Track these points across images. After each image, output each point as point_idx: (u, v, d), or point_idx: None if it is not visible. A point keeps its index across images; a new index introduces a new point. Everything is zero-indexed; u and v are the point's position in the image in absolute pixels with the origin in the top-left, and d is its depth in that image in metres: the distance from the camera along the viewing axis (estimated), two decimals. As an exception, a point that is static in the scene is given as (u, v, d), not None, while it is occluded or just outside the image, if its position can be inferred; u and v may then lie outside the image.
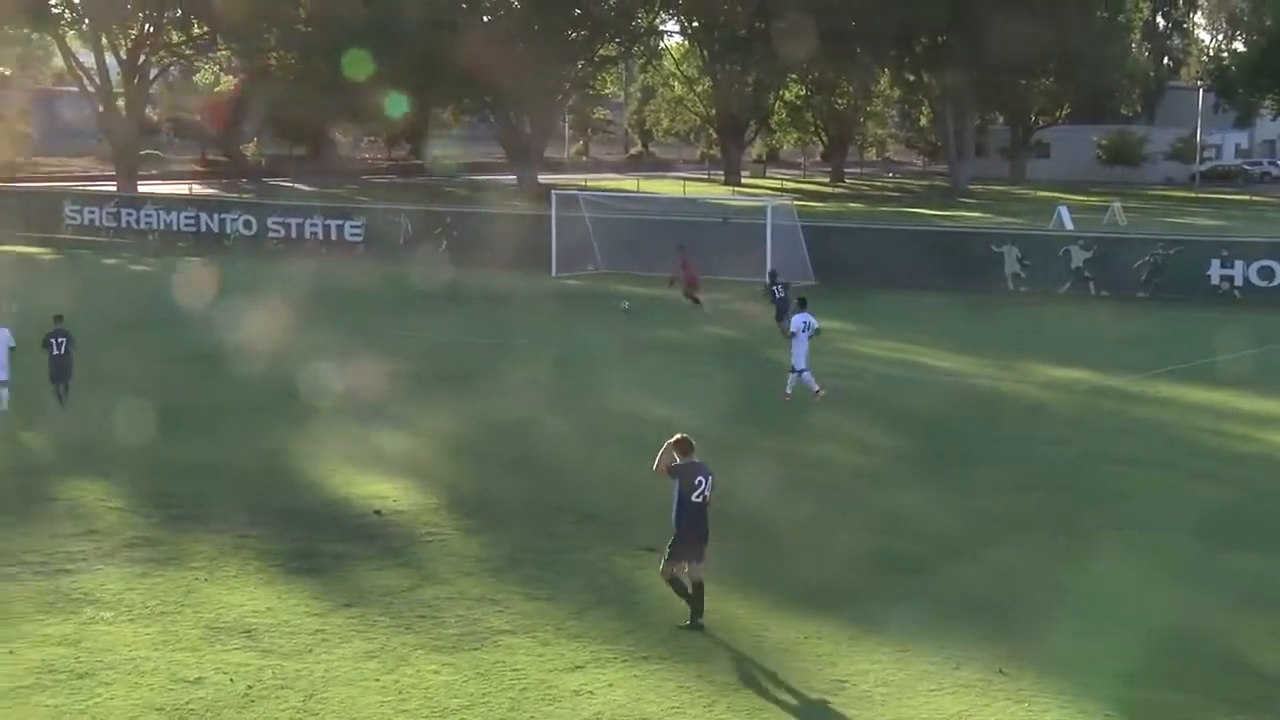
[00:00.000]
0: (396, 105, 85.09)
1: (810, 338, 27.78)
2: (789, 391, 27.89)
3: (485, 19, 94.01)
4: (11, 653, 14.77)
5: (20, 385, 26.25)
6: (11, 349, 25.84)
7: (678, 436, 15.88)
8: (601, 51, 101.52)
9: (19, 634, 15.28)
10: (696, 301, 40.50)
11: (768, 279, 37.61)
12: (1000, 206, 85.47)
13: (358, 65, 76.48)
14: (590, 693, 14.07)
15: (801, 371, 27.68)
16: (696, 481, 15.61)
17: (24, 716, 13.33)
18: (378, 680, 14.24)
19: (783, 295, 35.15)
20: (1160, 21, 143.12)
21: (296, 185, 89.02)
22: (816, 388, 27.72)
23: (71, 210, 63.00)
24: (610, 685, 14.25)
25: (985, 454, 24.36)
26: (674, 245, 42.45)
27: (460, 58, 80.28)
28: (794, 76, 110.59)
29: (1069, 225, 59.89)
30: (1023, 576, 17.80)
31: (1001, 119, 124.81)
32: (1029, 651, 15.12)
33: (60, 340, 26.17)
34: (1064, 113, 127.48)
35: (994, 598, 16.95)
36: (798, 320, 27.91)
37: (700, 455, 15.85)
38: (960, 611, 16.41)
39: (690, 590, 15.72)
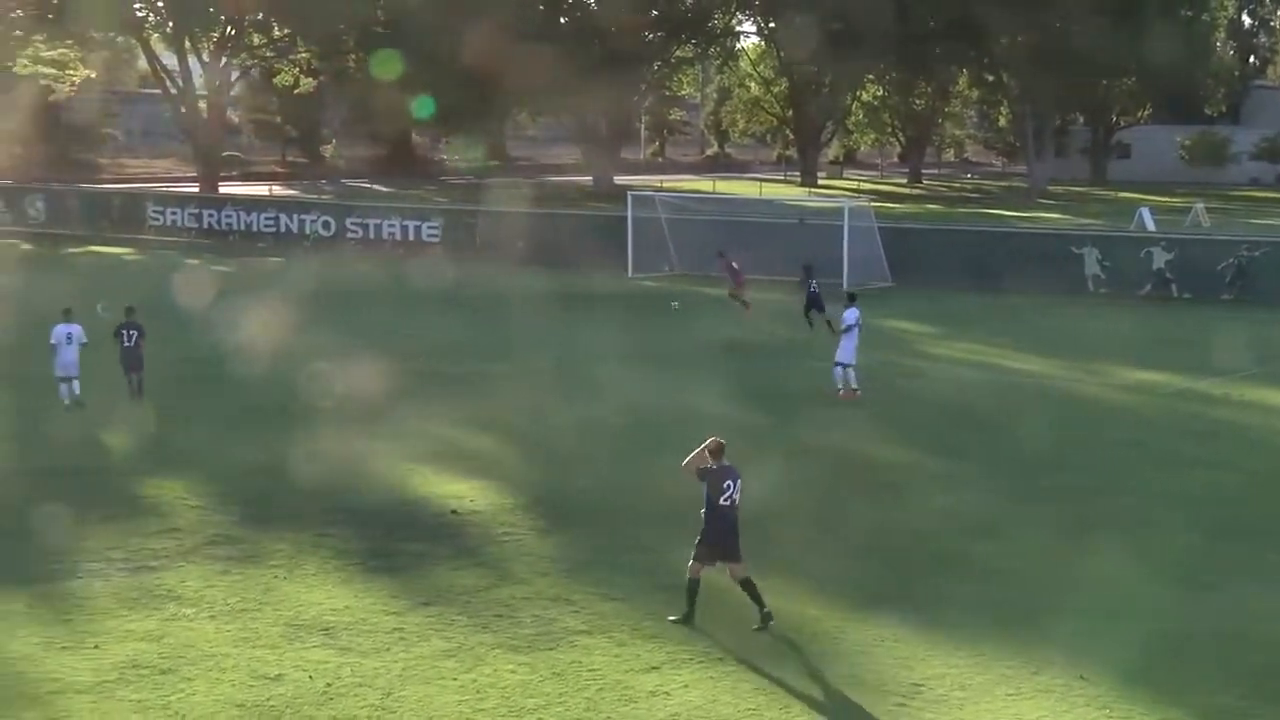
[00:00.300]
0: (424, 107, 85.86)
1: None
2: (839, 387, 28.08)
3: (563, 20, 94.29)
4: (97, 648, 15.00)
5: (99, 384, 26.70)
6: (83, 345, 26.45)
7: (712, 440, 15.95)
8: (678, 53, 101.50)
9: (104, 630, 15.51)
10: (744, 303, 40.29)
11: (803, 272, 37.79)
12: (1080, 208, 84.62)
13: (431, 67, 76.98)
14: (666, 694, 14.09)
15: (847, 366, 27.85)
16: (725, 485, 15.71)
17: (109, 711, 13.53)
18: (455, 679, 14.33)
19: (815, 290, 36.08)
20: (1246, 19, 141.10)
21: (375, 186, 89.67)
22: (854, 387, 27.90)
23: (154, 211, 63.76)
24: (686, 686, 14.26)
25: (1063, 457, 24.13)
26: (717, 251, 42.46)
27: (536, 59, 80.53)
28: (871, 77, 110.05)
29: (1151, 227, 59.17)
30: (1102, 582, 17.62)
31: (1082, 119, 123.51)
32: (1109, 658, 14.96)
33: (131, 332, 26.83)
34: (1146, 113, 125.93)
35: (1072, 603, 16.79)
36: (850, 315, 28.12)
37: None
38: (1037, 616, 16.28)
39: (695, 595, 15.83)
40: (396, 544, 18.69)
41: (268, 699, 13.80)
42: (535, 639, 15.37)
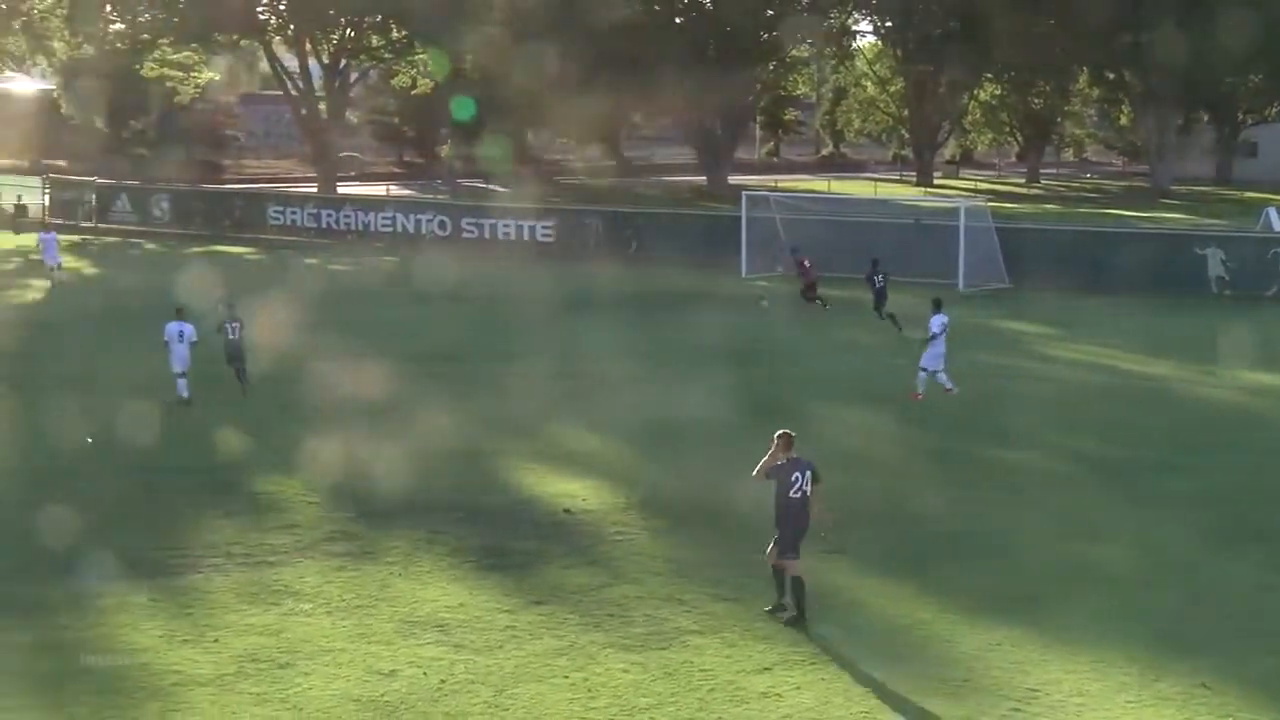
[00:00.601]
0: (463, 109, 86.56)
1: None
2: (920, 391, 27.78)
3: (678, 20, 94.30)
4: (217, 641, 15.26)
5: (218, 383, 27.20)
6: (194, 343, 27.21)
7: (780, 434, 16.10)
8: (793, 52, 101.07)
9: (224, 624, 15.78)
10: (820, 302, 40.09)
11: (869, 267, 37.72)
12: (1204, 208, 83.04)
13: (540, 69, 77.42)
14: (778, 695, 14.04)
15: (934, 372, 27.64)
16: (793, 479, 15.82)
17: (228, 704, 13.77)
18: (567, 678, 14.39)
19: (882, 284, 36.36)
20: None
21: (490, 187, 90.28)
22: (948, 387, 27.62)
23: (274, 211, 64.75)
24: (798, 688, 14.20)
25: (1184, 461, 23.69)
26: (788, 249, 42.34)
27: (651, 58, 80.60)
28: (989, 76, 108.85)
29: (1278, 227, 57.90)
30: (1224, 590, 17.29)
31: (1206, 117, 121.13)
32: (1231, 667, 14.69)
33: (234, 325, 27.77)
34: (1275, 110, 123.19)
35: (1193, 611, 16.51)
36: (936, 321, 27.79)
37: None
38: (1157, 623, 16.01)
39: (780, 581, 15.97)
40: (510, 542, 18.81)
41: (383, 694, 13.96)
42: (647, 638, 15.39)
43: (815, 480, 15.88)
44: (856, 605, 16.18)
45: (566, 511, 20.27)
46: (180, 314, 27.55)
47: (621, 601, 16.54)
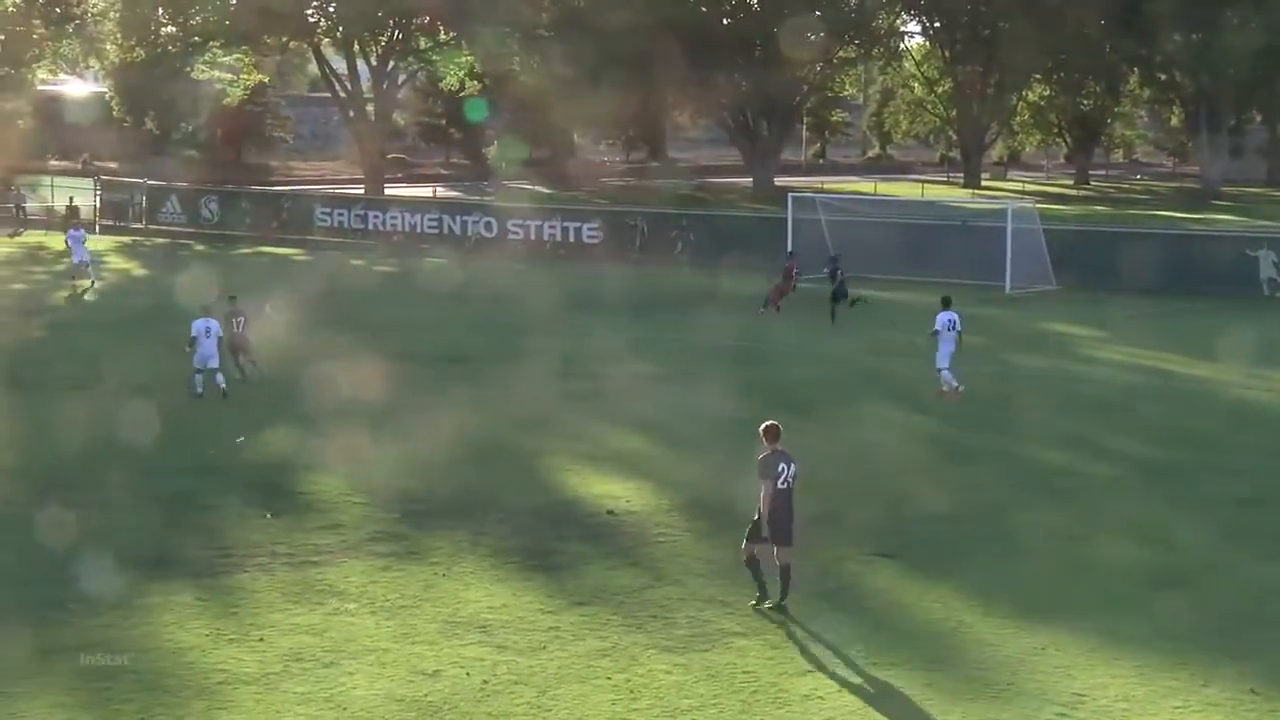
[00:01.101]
0: (476, 110, 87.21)
1: (956, 337, 28.10)
2: (944, 389, 27.93)
3: (725, 21, 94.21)
4: (262, 640, 15.35)
5: (258, 383, 27.36)
6: (220, 338, 28.02)
7: (765, 424, 16.42)
8: (840, 53, 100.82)
9: (269, 622, 15.87)
10: (776, 307, 40.12)
11: (830, 263, 39.91)
12: (1256, 209, 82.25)
13: (586, 69, 77.72)
14: (820, 698, 14.01)
15: (940, 370, 27.92)
16: (779, 469, 16.09)
17: (273, 703, 13.84)
18: (609, 679, 14.40)
19: (841, 280, 38.49)
20: None
21: (536, 188, 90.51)
22: (955, 384, 27.81)
23: (322, 213, 65.11)
24: (840, 691, 14.17)
25: (1232, 464, 23.48)
26: (787, 252, 43.00)
27: (697, 60, 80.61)
28: (1038, 77, 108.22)
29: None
30: (1272, 595, 17.14)
31: (1259, 118, 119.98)
32: (1280, 672, 14.55)
33: (239, 320, 29.06)
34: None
35: (1241, 614, 16.36)
36: (941, 318, 28.06)
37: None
38: (1204, 627, 15.88)
39: (758, 573, 16.26)
40: (553, 544, 18.83)
41: (426, 695, 14.00)
42: (690, 640, 15.38)
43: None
44: (899, 607, 16.10)
45: (610, 513, 20.28)
46: (207, 311, 28.31)
47: (664, 603, 16.53)
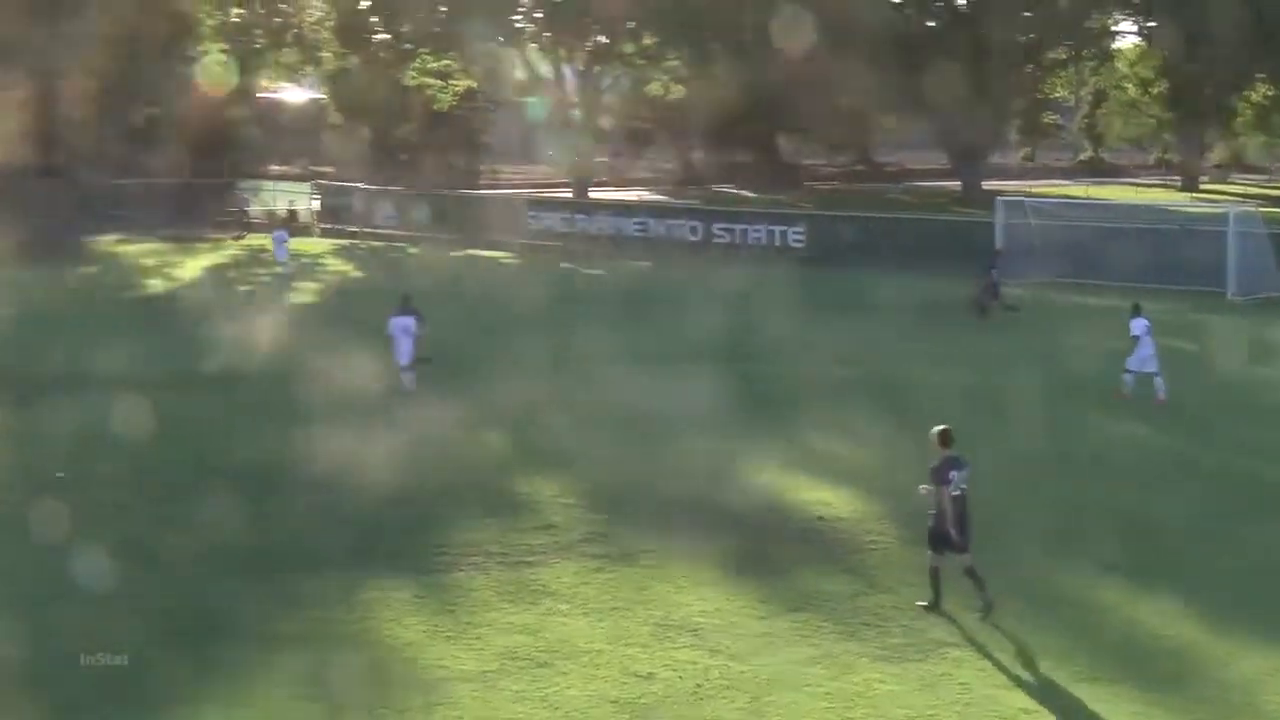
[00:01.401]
0: (535, 110, 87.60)
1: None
2: (1125, 391, 28.17)
3: (931, 24, 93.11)
4: (479, 638, 15.60)
5: (461, 383, 27.83)
6: (417, 337, 28.40)
7: (936, 430, 16.36)
8: (1051, 55, 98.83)
9: (485, 621, 16.12)
10: (985, 311, 40.07)
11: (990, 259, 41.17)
12: None
13: (790, 74, 77.27)
14: (1038, 712, 13.73)
15: (1134, 372, 28.14)
16: (950, 476, 15.97)
17: (490, 700, 14.06)
18: (822, 686, 14.31)
19: (996, 279, 39.92)
20: None
21: (741, 192, 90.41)
22: (1124, 392, 28.08)
23: (530, 216, 66.00)
24: (1059, 707, 13.87)
25: None
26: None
27: (902, 63, 79.68)
28: (1262, 76, 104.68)
29: None
30: None
31: None
32: None
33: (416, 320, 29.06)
34: None
35: None
36: (1136, 324, 28.39)
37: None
38: None
39: (936, 582, 16.29)
40: (764, 547, 18.78)
41: (639, 697, 14.07)
42: (904, 649, 15.21)
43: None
44: (1124, 622, 15.69)
45: (820, 518, 20.16)
46: (406, 305, 28.73)
47: (878, 610, 16.38)
